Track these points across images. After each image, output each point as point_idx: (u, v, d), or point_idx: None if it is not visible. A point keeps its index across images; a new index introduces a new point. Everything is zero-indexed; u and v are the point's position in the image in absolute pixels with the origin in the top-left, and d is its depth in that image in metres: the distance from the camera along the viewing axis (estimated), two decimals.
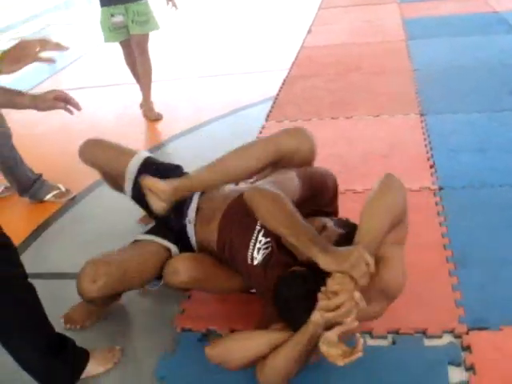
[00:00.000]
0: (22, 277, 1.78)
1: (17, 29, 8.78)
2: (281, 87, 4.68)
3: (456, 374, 1.86)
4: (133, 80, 4.53)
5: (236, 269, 2.07)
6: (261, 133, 3.79)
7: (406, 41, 5.61)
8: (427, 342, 2.00)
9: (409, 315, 2.09)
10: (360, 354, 1.58)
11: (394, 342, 2.02)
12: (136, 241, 2.21)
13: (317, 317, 1.61)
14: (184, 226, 2.22)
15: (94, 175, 2.59)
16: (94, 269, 1.97)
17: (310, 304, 1.63)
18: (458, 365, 1.89)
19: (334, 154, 3.31)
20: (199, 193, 2.23)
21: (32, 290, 1.82)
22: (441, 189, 2.89)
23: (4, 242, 1.72)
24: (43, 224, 3.10)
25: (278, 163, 2.13)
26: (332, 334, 1.60)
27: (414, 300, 2.13)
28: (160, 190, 2.06)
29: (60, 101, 1.88)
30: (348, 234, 1.75)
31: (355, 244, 1.65)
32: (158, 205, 2.09)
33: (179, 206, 2.18)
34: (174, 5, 4.41)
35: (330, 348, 1.61)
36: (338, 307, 1.58)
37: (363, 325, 1.91)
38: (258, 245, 1.94)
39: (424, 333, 2.02)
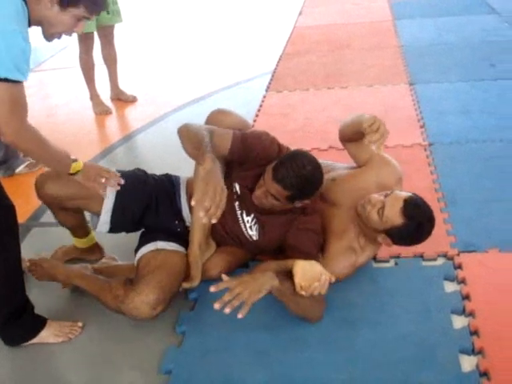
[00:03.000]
0: None
1: None
2: (278, 62, 4.99)
3: (450, 286, 2.19)
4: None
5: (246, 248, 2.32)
6: (263, 101, 4.10)
7: (393, 20, 5.97)
8: (424, 263, 2.33)
9: None
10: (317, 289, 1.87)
11: (396, 264, 2.35)
12: None
13: None
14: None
15: None
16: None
17: None
18: (452, 279, 2.22)
19: (333, 117, 3.63)
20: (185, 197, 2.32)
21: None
22: (430, 144, 3.24)
23: None
24: None
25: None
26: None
27: None
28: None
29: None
30: None
31: None
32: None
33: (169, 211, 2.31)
34: None
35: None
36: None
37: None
38: (247, 224, 2.23)
39: (421, 256, 2.35)
